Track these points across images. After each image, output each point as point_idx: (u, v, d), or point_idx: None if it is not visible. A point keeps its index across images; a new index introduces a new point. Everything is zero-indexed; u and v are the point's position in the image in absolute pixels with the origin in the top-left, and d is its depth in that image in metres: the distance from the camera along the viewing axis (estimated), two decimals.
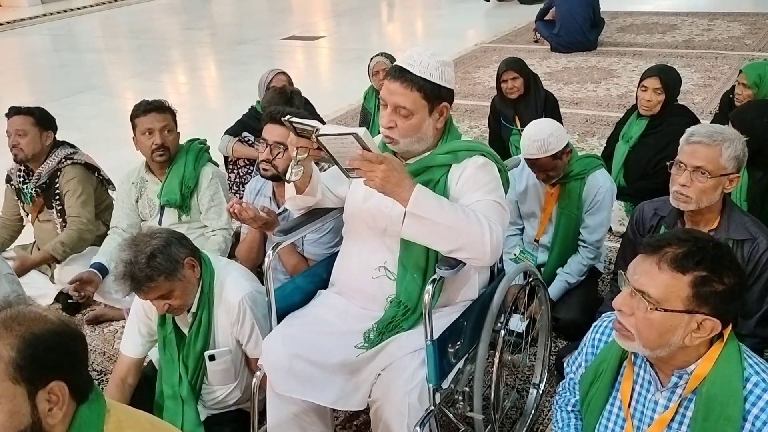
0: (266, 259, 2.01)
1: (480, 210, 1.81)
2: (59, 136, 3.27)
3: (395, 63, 1.92)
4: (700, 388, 1.38)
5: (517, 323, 2.27)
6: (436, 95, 1.86)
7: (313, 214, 2.14)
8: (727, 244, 1.90)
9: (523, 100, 3.93)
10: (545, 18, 7.60)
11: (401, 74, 1.84)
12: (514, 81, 3.88)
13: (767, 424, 1.32)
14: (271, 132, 2.49)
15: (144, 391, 2.30)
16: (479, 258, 1.76)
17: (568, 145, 2.68)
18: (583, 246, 2.82)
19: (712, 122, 3.98)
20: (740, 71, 3.53)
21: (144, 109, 2.90)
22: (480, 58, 7.52)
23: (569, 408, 1.71)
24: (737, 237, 2.08)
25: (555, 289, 2.77)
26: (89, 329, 3.18)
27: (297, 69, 8.24)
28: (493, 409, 2.04)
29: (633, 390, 1.50)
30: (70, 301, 3.28)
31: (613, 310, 1.46)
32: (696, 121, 3.55)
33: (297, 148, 1.84)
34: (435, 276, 1.77)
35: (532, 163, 2.71)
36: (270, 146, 2.50)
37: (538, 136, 2.62)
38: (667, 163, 2.14)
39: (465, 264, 1.79)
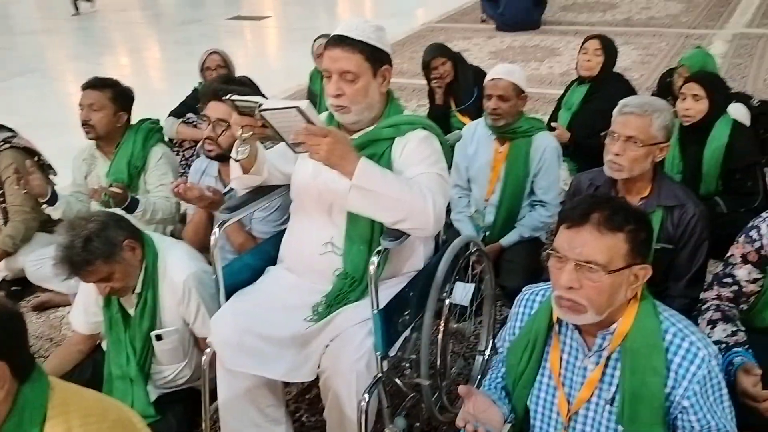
0: (212, 237, 2.01)
1: (423, 182, 1.85)
2: None
3: (333, 33, 1.94)
4: (623, 344, 1.45)
5: (462, 295, 2.34)
6: (377, 57, 1.91)
7: (259, 192, 2.14)
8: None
9: (454, 81, 3.87)
10: None
11: (341, 40, 1.88)
12: (443, 66, 3.79)
13: (689, 371, 1.41)
14: (214, 109, 2.47)
15: (95, 373, 2.30)
16: (422, 228, 1.81)
17: (525, 94, 2.91)
18: (540, 205, 2.98)
19: None
20: (681, 64, 3.62)
21: (83, 85, 2.93)
22: (428, 37, 7.55)
23: (500, 374, 1.74)
24: (667, 203, 2.18)
25: (508, 239, 2.96)
26: (35, 316, 3.12)
27: (244, 49, 8.13)
28: (439, 376, 2.10)
29: (561, 359, 1.55)
30: (13, 288, 3.23)
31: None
32: (632, 89, 3.70)
33: (241, 127, 1.85)
34: (380, 247, 1.81)
35: (494, 85, 2.87)
36: (213, 124, 2.49)
37: (507, 66, 2.98)
38: (602, 134, 2.23)
39: (409, 235, 1.84)
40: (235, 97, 1.81)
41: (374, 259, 1.78)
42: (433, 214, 1.79)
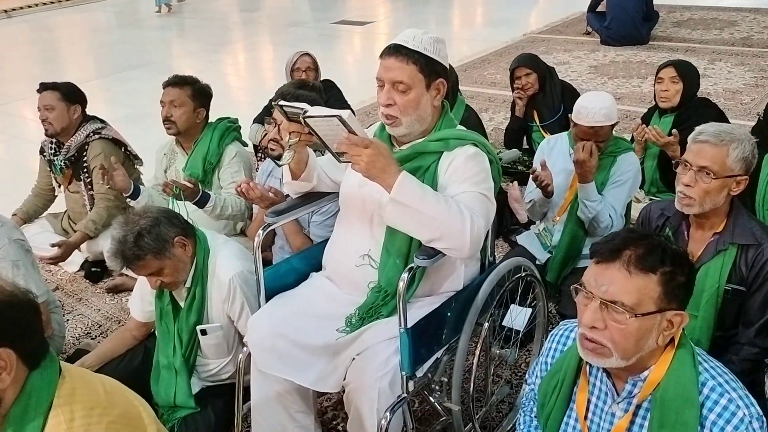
0: (255, 239, 2.03)
1: (465, 201, 1.79)
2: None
3: (390, 43, 1.91)
4: (654, 393, 1.34)
5: (516, 318, 2.24)
6: (432, 70, 1.86)
7: (309, 198, 2.15)
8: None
9: (539, 95, 3.84)
10: (597, 9, 7.39)
11: (396, 50, 1.86)
12: (527, 77, 3.81)
13: (724, 431, 1.28)
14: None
15: (145, 360, 2.39)
16: (458, 249, 1.75)
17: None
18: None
19: (755, 127, 3.82)
20: None
21: (164, 83, 3.09)
22: (526, 48, 7.35)
23: (533, 414, 1.68)
24: (742, 242, 1.99)
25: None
26: (109, 297, 3.30)
27: (345, 53, 8.26)
28: (472, 402, 2.02)
29: (589, 401, 1.46)
30: (93, 269, 3.43)
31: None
32: (722, 114, 3.43)
33: (289, 133, 1.87)
34: (412, 264, 1.77)
35: (595, 133, 2.70)
36: (279, 126, 2.53)
37: (604, 104, 2.69)
38: (673, 162, 2.07)
39: (444, 255, 1.78)
40: (283, 102, 1.83)
41: (404, 276, 1.73)
42: (470, 235, 1.73)
